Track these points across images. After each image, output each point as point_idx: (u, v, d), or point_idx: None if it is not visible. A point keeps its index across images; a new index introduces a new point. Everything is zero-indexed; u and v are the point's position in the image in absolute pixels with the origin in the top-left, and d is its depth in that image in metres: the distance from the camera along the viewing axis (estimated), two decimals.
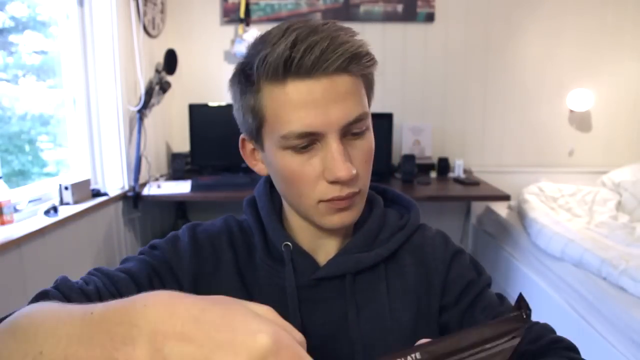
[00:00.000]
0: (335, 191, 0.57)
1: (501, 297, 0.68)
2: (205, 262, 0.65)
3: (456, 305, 0.66)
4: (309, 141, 0.55)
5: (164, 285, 0.61)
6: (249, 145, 0.64)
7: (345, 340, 0.63)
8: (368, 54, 0.57)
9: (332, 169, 0.55)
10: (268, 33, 0.56)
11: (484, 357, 0.36)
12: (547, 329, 0.64)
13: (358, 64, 0.55)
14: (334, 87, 0.54)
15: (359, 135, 0.58)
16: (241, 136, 0.65)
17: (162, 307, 0.32)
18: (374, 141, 0.64)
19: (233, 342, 0.30)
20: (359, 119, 0.56)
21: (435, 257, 0.68)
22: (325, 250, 0.66)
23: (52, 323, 0.38)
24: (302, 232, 0.66)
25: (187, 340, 0.30)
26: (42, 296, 0.52)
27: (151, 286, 0.59)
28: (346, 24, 0.58)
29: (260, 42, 0.56)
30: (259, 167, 0.65)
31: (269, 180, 0.69)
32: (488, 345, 0.36)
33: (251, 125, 0.59)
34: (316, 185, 0.57)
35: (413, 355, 0.35)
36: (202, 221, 0.71)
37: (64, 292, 0.54)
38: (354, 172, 0.55)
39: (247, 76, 0.57)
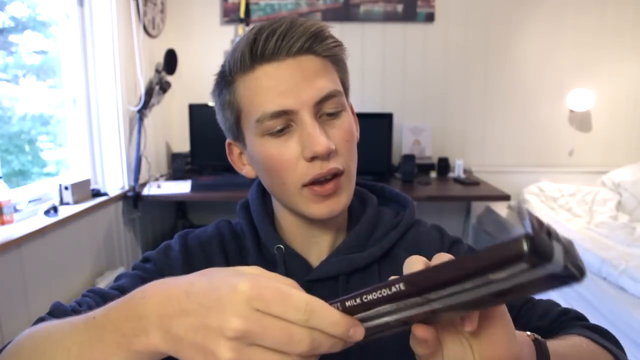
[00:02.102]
0: (316, 169, 0.56)
1: None
2: (196, 269, 0.65)
3: None
4: (283, 122, 0.56)
5: None
6: (236, 150, 0.66)
7: None
8: (331, 36, 0.59)
9: (309, 144, 0.55)
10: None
11: (494, 290, 0.30)
12: (552, 304, 0.65)
13: (322, 44, 0.57)
14: (301, 67, 0.56)
15: (334, 115, 0.58)
16: (227, 141, 0.66)
17: (159, 293, 0.35)
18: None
19: (219, 300, 0.33)
20: (331, 96, 0.57)
21: (432, 253, 0.66)
22: (318, 251, 0.65)
23: (56, 336, 0.40)
24: (294, 234, 0.65)
25: (186, 313, 0.33)
26: (38, 323, 0.54)
27: None
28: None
29: (233, 47, 0.60)
30: (247, 170, 0.65)
31: (261, 184, 0.70)
32: (493, 276, 0.29)
33: (230, 121, 0.61)
34: (296, 167, 0.57)
35: (397, 286, 0.33)
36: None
37: (58, 316, 0.55)
38: (332, 146, 0.56)
39: (223, 76, 0.61)
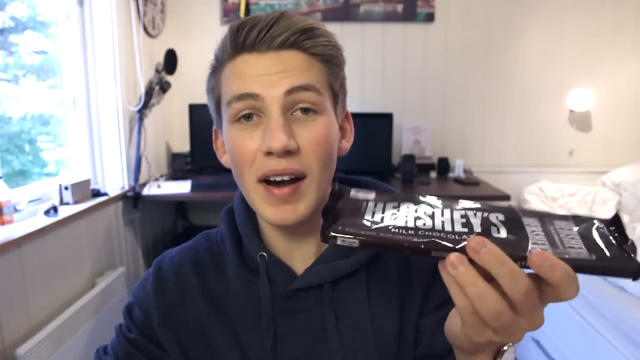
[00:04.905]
0: (271, 164, 0.53)
1: None
2: (169, 295, 0.66)
3: (436, 312, 0.61)
4: (249, 107, 0.54)
5: (141, 353, 0.65)
6: (220, 137, 0.65)
7: (324, 350, 0.61)
8: (324, 35, 0.57)
9: (267, 137, 0.52)
10: None
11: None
12: None
13: (311, 41, 0.55)
14: (281, 61, 0.54)
15: (308, 115, 0.55)
16: (214, 127, 0.66)
17: None
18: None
19: None
20: (304, 88, 0.53)
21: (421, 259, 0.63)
22: (303, 257, 0.63)
23: None
24: (277, 241, 0.63)
25: None
26: None
27: None
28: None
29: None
30: (225, 159, 0.63)
31: None
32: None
33: (212, 106, 0.62)
34: (254, 160, 0.55)
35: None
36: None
37: None
38: (292, 145, 0.52)
39: (213, 64, 0.61)
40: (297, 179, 0.55)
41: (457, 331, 0.40)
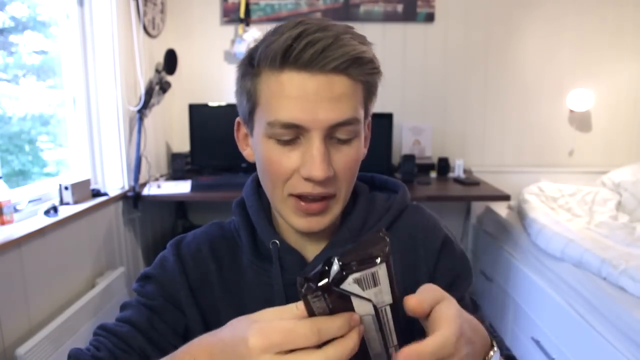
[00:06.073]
0: (307, 188, 0.56)
1: (475, 305, 0.68)
2: (191, 277, 0.67)
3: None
4: (293, 134, 0.55)
5: (165, 321, 0.63)
6: (243, 129, 0.65)
7: None
8: (372, 61, 0.56)
9: (309, 167, 0.55)
10: (281, 24, 0.56)
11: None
12: (503, 344, 0.64)
13: (359, 68, 0.55)
14: (329, 86, 0.54)
15: (345, 141, 0.57)
16: (237, 119, 0.65)
17: (203, 353, 0.43)
18: (369, 145, 0.64)
19: (242, 358, 0.38)
20: (347, 123, 0.55)
21: (426, 244, 0.67)
22: (314, 246, 0.66)
23: None
24: (290, 230, 0.66)
25: None
26: None
27: (153, 328, 0.63)
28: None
29: (272, 31, 0.57)
30: (248, 153, 0.65)
31: (256, 179, 0.70)
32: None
33: (245, 107, 0.60)
34: (289, 178, 0.57)
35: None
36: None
37: None
38: (330, 174, 0.55)
39: (250, 60, 0.58)
40: (326, 196, 0.58)
41: None
